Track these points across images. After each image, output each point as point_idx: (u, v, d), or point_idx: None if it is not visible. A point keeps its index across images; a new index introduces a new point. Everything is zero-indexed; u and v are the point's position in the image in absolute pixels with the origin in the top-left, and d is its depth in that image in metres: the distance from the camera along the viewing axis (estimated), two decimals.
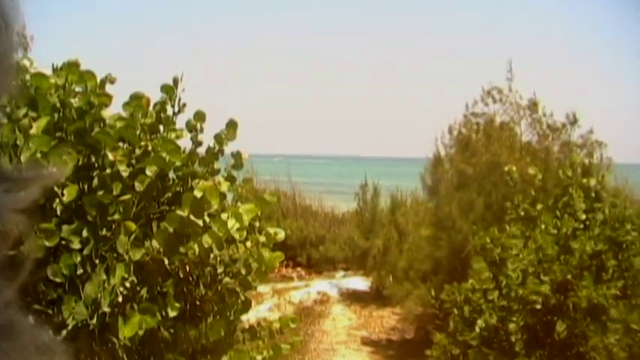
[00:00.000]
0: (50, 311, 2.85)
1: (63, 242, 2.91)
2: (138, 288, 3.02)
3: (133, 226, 3.00)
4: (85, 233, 2.95)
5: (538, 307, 6.37)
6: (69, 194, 2.90)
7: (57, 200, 2.92)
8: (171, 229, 3.01)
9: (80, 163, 3.05)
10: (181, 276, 3.27)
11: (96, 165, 3.16)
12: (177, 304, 3.10)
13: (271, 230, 3.63)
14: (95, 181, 3.10)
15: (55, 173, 0.40)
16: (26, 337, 0.34)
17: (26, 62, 3.08)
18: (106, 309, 2.88)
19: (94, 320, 2.88)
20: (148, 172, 3.18)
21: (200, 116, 3.74)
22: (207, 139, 3.76)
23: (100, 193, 3.04)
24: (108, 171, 3.11)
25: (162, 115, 3.60)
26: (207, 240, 3.07)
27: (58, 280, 2.86)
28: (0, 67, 0.33)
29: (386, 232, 12.86)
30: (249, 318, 4.33)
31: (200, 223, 3.05)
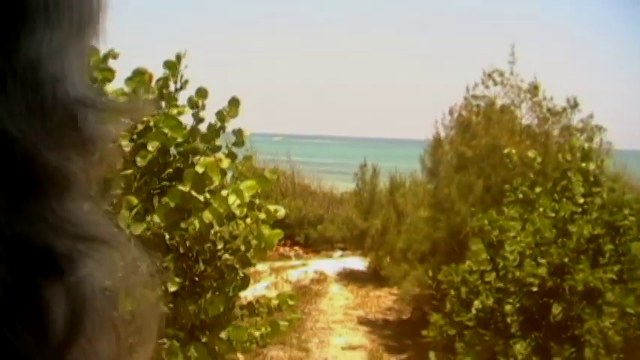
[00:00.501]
0: None
1: None
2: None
3: (134, 200, 3.02)
4: None
5: (534, 289, 6.41)
6: None
7: None
8: (172, 204, 3.03)
9: None
10: (181, 251, 3.30)
11: None
12: (177, 280, 3.13)
13: (271, 208, 3.65)
14: None
15: (145, 107, 0.43)
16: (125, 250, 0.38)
17: None
18: None
19: None
20: (150, 148, 3.20)
21: (202, 93, 3.75)
22: (209, 117, 3.77)
23: None
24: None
25: (164, 91, 3.60)
26: (207, 216, 3.09)
27: None
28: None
29: (384, 213, 12.90)
30: (247, 296, 4.36)
31: (201, 198, 3.07)
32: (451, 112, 10.85)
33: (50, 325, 0.32)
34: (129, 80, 3.42)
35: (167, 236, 3.14)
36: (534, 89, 10.37)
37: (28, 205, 0.32)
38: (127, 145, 3.14)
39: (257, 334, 3.74)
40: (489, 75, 10.53)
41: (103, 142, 0.36)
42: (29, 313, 0.31)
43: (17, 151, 0.31)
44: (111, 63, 3.43)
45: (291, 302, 3.97)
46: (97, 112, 0.36)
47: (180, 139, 3.45)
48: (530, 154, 8.05)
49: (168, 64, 3.62)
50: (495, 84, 10.52)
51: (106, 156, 0.37)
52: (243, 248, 3.55)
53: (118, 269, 0.36)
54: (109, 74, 3.29)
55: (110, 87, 3.27)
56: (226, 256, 3.55)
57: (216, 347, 3.55)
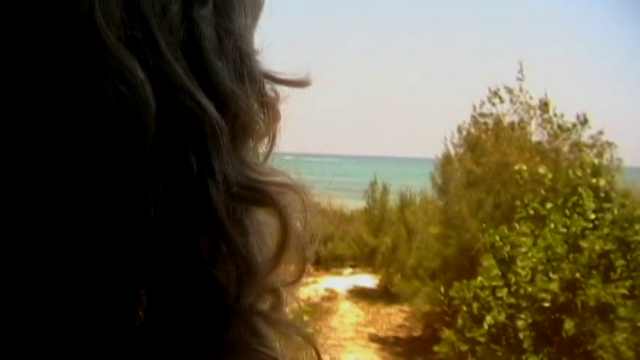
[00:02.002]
0: None
1: None
2: None
3: None
4: None
5: (546, 304, 6.41)
6: None
7: None
8: None
9: None
10: None
11: None
12: None
13: None
14: None
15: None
16: None
17: None
18: None
19: None
20: None
21: None
22: None
23: None
24: None
25: None
26: None
27: None
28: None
29: (395, 230, 12.91)
30: None
31: None
32: (460, 130, 10.89)
33: (256, 258, 0.40)
34: None
35: None
36: (544, 106, 10.39)
37: (239, 150, 0.41)
38: None
39: None
40: (495, 92, 10.57)
41: (276, 107, 0.46)
42: (231, 247, 0.39)
43: (231, 105, 0.40)
44: None
45: (306, 318, 4.00)
46: (272, 83, 0.46)
47: None
48: (541, 170, 8.07)
49: None
50: (502, 101, 10.55)
51: (278, 117, 0.46)
52: None
53: (298, 207, 0.44)
54: None
55: None
56: None
57: None
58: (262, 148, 0.47)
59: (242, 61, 0.43)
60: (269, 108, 0.45)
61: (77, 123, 0.35)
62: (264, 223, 0.43)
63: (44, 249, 0.35)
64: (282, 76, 0.47)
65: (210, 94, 0.39)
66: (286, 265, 0.44)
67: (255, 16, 0.46)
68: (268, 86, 0.46)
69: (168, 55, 0.38)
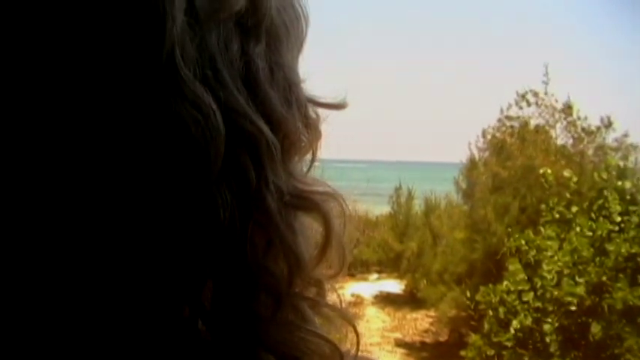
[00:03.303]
0: None
1: None
2: None
3: None
4: None
5: (573, 308, 6.41)
6: None
7: None
8: None
9: None
10: None
11: None
12: None
13: None
14: None
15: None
16: None
17: None
18: None
19: None
20: None
21: None
22: None
23: None
24: None
25: None
26: None
27: None
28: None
29: (420, 235, 12.90)
30: None
31: None
32: (484, 134, 10.89)
33: (303, 255, 0.48)
34: None
35: None
36: (568, 109, 10.36)
37: (288, 164, 0.49)
38: None
39: None
40: (523, 96, 10.56)
41: (318, 127, 0.54)
42: (284, 244, 0.47)
43: (282, 127, 0.48)
44: None
45: None
46: (314, 107, 0.54)
47: None
48: (566, 173, 8.06)
49: None
50: (529, 105, 10.54)
51: (319, 136, 0.54)
52: None
53: (338, 211, 0.53)
54: None
55: None
56: None
57: None
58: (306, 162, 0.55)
59: (290, 89, 0.51)
60: (312, 128, 0.54)
61: (164, 145, 0.43)
62: (309, 225, 0.51)
63: (139, 247, 0.43)
64: (323, 100, 0.55)
65: (265, 118, 0.47)
66: (328, 261, 0.52)
67: (299, 50, 0.54)
68: (311, 109, 0.54)
69: (232, 87, 0.46)
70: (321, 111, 0.55)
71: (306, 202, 0.50)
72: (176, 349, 0.44)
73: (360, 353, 0.54)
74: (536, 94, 10.47)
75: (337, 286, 0.54)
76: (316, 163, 0.55)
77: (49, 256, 0.42)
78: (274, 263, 0.47)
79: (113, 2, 0.42)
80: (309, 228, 0.51)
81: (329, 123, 0.56)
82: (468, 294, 8.60)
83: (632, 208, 6.97)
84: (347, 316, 0.52)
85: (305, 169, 0.55)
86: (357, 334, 0.53)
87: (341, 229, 0.52)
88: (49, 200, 0.42)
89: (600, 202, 7.06)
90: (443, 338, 11.24)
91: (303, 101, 0.53)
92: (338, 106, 0.57)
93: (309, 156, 0.55)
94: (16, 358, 0.43)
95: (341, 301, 0.54)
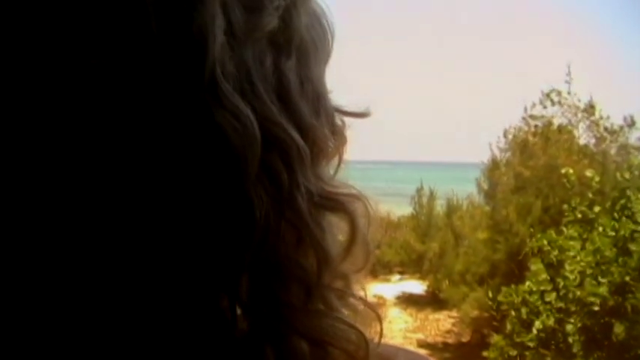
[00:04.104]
0: None
1: None
2: None
3: None
4: None
5: (596, 308, 6.39)
6: None
7: None
8: None
9: None
10: None
11: None
12: None
13: None
14: None
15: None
16: None
17: None
18: None
19: None
20: None
21: None
22: None
23: None
24: None
25: None
26: None
27: None
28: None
29: (442, 236, 12.90)
30: None
31: None
32: (506, 135, 10.88)
33: (331, 250, 0.53)
34: None
35: None
36: (591, 108, 10.32)
37: (316, 168, 0.54)
38: None
39: None
40: (548, 95, 10.52)
41: (343, 133, 0.59)
42: (313, 241, 0.52)
43: (310, 135, 0.53)
44: None
45: None
46: (341, 115, 0.60)
47: None
48: (588, 173, 8.03)
49: None
50: (553, 104, 10.51)
51: (344, 141, 0.60)
52: None
53: (362, 211, 0.57)
54: None
55: None
56: None
57: None
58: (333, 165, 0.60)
59: (318, 100, 0.56)
60: (338, 134, 0.59)
61: (208, 151, 0.48)
62: (336, 224, 0.56)
63: (184, 243, 0.48)
64: (348, 109, 0.61)
65: (296, 126, 0.52)
66: (353, 256, 0.57)
67: (326, 62, 0.60)
68: (337, 117, 0.59)
69: (266, 99, 0.51)
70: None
71: (333, 202, 0.55)
72: (216, 335, 0.49)
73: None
74: (559, 94, 10.44)
75: (361, 281, 0.59)
76: (342, 165, 0.60)
77: (108, 250, 0.47)
78: (304, 258, 0.52)
79: (163, 25, 0.47)
80: (336, 226, 0.56)
81: (352, 125, 0.62)
82: (490, 294, 8.59)
83: None
84: (371, 306, 0.57)
85: (332, 172, 0.59)
86: (381, 322, 0.57)
87: (365, 228, 0.57)
88: (115, 201, 0.47)
89: (623, 201, 7.02)
90: (465, 339, 11.23)
91: (330, 110, 0.58)
92: (362, 115, 0.62)
93: (335, 160, 0.60)
94: (59, 342, 0.47)
95: (366, 294, 0.59)
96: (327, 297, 0.54)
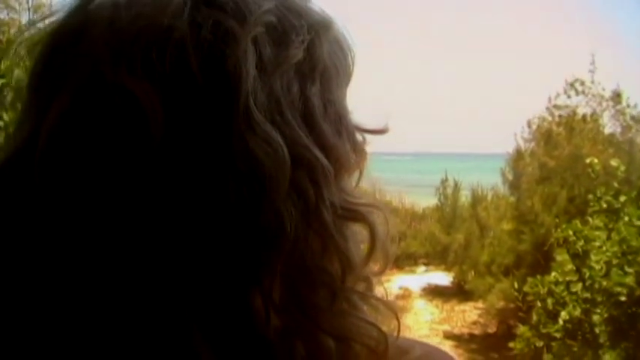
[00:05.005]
0: None
1: None
2: None
3: None
4: None
5: (622, 299, 6.36)
6: None
7: None
8: None
9: None
10: None
11: None
12: None
13: None
14: None
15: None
16: None
17: None
18: None
19: None
20: None
21: None
22: None
23: None
24: None
25: None
26: None
27: None
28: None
29: (467, 227, 12.87)
30: None
31: None
32: (529, 125, 10.83)
33: (354, 257, 0.59)
34: None
35: None
36: (617, 97, 10.24)
37: (339, 182, 0.60)
38: None
39: None
40: (572, 84, 10.45)
41: (364, 149, 0.65)
42: (337, 249, 0.58)
43: (334, 153, 0.59)
44: None
45: None
46: (362, 132, 0.65)
47: None
48: (614, 162, 7.98)
49: None
50: (577, 93, 10.43)
51: (365, 156, 0.65)
52: None
53: (383, 222, 0.63)
54: None
55: None
56: None
57: None
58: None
59: (340, 121, 0.62)
60: (358, 150, 0.65)
61: (244, 173, 0.54)
62: (358, 232, 0.62)
63: (227, 253, 0.54)
64: (367, 127, 0.66)
65: (320, 147, 0.58)
66: (374, 261, 0.63)
67: (347, 84, 0.65)
68: (358, 134, 0.65)
69: (294, 123, 0.57)
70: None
71: (354, 213, 0.61)
72: (251, 328, 0.55)
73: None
74: (582, 83, 10.36)
75: (383, 279, 0.64)
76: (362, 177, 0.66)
77: (178, 256, 0.54)
78: (330, 264, 0.58)
79: (201, 63, 0.54)
80: (359, 234, 0.62)
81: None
82: (516, 285, 8.58)
83: None
84: (390, 306, 0.63)
85: (354, 183, 0.65)
86: (398, 320, 0.63)
87: (384, 235, 0.63)
88: (178, 217, 0.54)
89: None
90: (491, 330, 11.22)
91: (351, 129, 0.64)
92: (380, 132, 0.68)
93: (356, 173, 0.65)
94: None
95: (387, 294, 0.64)
96: (350, 298, 0.60)
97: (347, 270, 0.59)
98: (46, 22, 0.62)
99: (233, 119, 0.54)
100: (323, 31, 0.62)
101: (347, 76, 0.65)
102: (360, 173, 0.66)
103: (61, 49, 0.59)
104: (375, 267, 0.63)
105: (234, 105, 0.54)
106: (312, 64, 0.60)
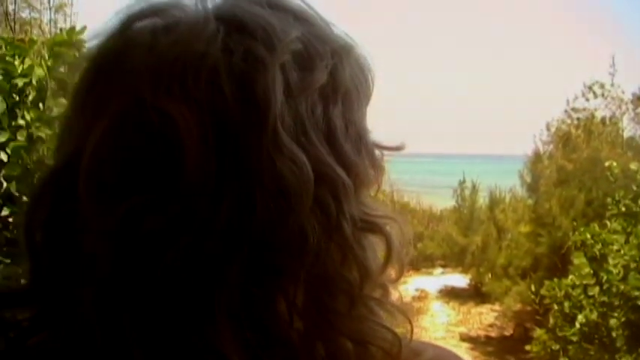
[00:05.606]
0: None
1: None
2: None
3: None
4: None
5: None
6: None
7: None
8: None
9: None
10: None
11: None
12: None
13: None
14: None
15: None
16: None
17: None
18: None
19: None
20: None
21: None
22: None
23: None
24: None
25: None
26: None
27: None
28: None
29: (485, 229, 12.84)
30: None
31: None
32: (548, 128, 10.80)
33: (371, 266, 0.64)
34: None
35: None
36: (637, 100, 10.19)
37: (358, 197, 0.64)
38: None
39: None
40: (590, 87, 10.42)
41: (382, 164, 0.69)
42: (356, 259, 0.63)
43: (354, 170, 0.63)
44: None
45: None
46: (380, 150, 0.70)
47: None
48: (633, 166, 7.94)
49: None
50: (596, 96, 10.40)
51: (383, 171, 0.69)
52: None
53: (399, 232, 0.67)
54: None
55: None
56: None
57: None
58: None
59: (360, 140, 0.67)
60: (377, 166, 0.69)
61: (273, 190, 0.59)
62: (376, 242, 0.66)
63: (257, 262, 0.59)
64: (385, 144, 0.71)
65: (341, 164, 0.62)
66: (390, 269, 0.67)
67: (367, 104, 0.70)
68: (376, 151, 0.70)
69: (317, 144, 0.62)
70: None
71: (372, 225, 0.65)
72: (277, 333, 0.60)
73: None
74: (602, 86, 10.33)
75: (399, 284, 0.68)
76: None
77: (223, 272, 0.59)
78: (349, 272, 0.63)
79: (234, 89, 0.59)
80: (376, 245, 0.66)
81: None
82: (533, 288, 8.57)
83: None
84: (404, 311, 0.67)
85: (372, 195, 0.69)
86: (411, 324, 0.68)
87: (400, 246, 0.67)
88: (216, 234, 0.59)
89: None
90: (508, 332, 11.21)
91: (370, 147, 0.68)
92: (397, 148, 0.72)
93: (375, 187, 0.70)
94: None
95: (402, 297, 0.69)
96: (368, 304, 0.64)
97: (365, 278, 0.63)
98: (88, 45, 0.68)
99: (262, 140, 0.58)
100: (345, 56, 0.67)
101: (367, 97, 0.70)
102: (379, 186, 0.70)
103: (104, 72, 0.64)
104: (391, 274, 0.68)
105: (263, 127, 0.59)
106: (334, 87, 0.64)
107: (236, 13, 0.63)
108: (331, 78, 0.64)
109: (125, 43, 0.63)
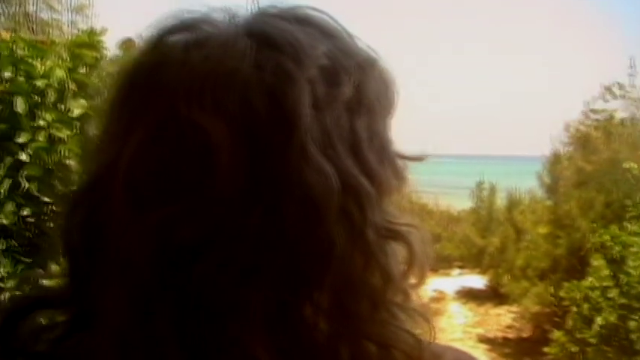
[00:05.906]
0: None
1: None
2: None
3: None
4: None
5: None
6: None
7: None
8: None
9: None
10: None
11: None
12: None
13: None
14: None
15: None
16: None
17: None
18: None
19: None
20: None
21: None
22: None
23: None
24: None
25: None
26: None
27: None
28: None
29: (503, 231, 12.79)
30: None
31: None
32: (567, 129, 10.75)
33: (393, 272, 0.67)
34: None
35: None
36: None
37: (381, 205, 0.67)
38: None
39: None
40: (608, 88, 10.36)
41: (404, 173, 0.72)
42: (379, 265, 0.65)
43: (377, 179, 0.66)
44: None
45: None
46: (403, 159, 0.72)
47: None
48: None
49: None
50: (615, 97, 10.33)
51: (405, 180, 0.72)
52: None
53: (420, 240, 0.69)
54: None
55: None
56: None
57: None
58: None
59: (383, 149, 0.69)
60: (399, 176, 0.71)
61: (301, 200, 0.62)
62: (398, 249, 0.69)
63: (287, 268, 0.62)
64: (407, 154, 0.73)
65: (365, 174, 0.65)
66: (412, 275, 0.70)
67: (390, 116, 0.72)
68: (399, 161, 0.72)
69: (342, 154, 0.64)
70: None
71: (394, 233, 0.68)
72: (303, 335, 0.63)
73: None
74: (621, 87, 10.26)
75: (419, 289, 0.71)
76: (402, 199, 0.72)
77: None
78: (372, 278, 0.66)
79: (263, 103, 0.62)
80: (399, 250, 0.69)
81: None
82: (552, 290, 8.54)
83: None
84: (425, 316, 0.70)
85: (394, 202, 0.72)
86: (432, 328, 0.70)
87: (421, 252, 0.70)
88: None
89: None
90: (526, 334, 11.15)
91: (392, 157, 0.71)
92: (418, 158, 0.75)
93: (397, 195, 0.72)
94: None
95: (421, 301, 0.71)
96: (390, 309, 0.67)
97: (387, 283, 0.66)
98: (124, 59, 0.71)
99: (291, 153, 0.61)
100: (370, 69, 0.70)
101: (390, 109, 0.72)
102: (401, 195, 0.72)
103: (140, 85, 0.67)
104: (412, 280, 0.70)
105: (292, 140, 0.62)
106: (359, 99, 0.67)
107: (265, 29, 0.66)
108: (356, 91, 0.67)
109: (159, 58, 0.67)
